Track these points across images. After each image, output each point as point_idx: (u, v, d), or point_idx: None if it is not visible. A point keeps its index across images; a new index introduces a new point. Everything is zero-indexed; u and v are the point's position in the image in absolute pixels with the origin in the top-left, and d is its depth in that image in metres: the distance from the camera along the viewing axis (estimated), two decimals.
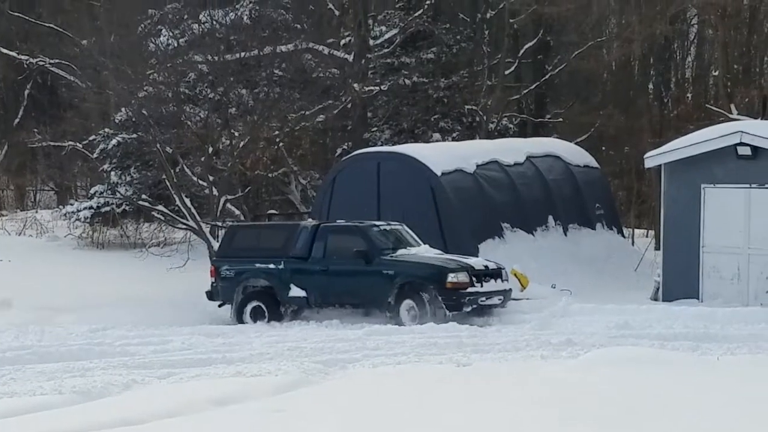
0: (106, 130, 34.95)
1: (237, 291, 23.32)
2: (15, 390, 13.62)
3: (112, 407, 12.52)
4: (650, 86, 43.03)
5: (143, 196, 32.55)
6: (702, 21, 40.07)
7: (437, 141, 34.07)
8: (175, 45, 33.13)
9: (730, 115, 31.20)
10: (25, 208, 45.68)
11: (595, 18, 41.28)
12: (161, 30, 34.11)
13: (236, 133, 30.78)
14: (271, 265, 23.10)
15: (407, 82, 35.90)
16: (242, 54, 32.71)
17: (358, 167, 27.35)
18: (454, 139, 34.48)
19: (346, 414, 12.00)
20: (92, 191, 35.21)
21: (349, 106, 35.49)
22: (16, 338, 19.29)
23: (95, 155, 34.90)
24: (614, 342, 17.69)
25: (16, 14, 44.64)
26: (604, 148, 40.56)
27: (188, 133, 30.54)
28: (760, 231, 22.96)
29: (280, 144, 33.56)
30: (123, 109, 33.20)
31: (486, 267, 22.05)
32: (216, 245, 27.74)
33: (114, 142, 33.76)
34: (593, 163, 30.63)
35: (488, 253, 24.34)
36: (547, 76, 41.33)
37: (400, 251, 22.51)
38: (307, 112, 34.00)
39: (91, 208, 34.00)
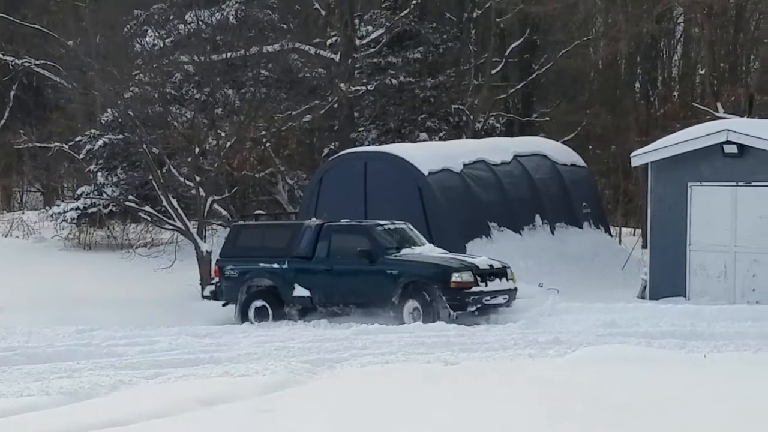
0: (93, 130, 34.86)
1: (241, 291, 23.31)
2: (2, 391, 13.57)
3: (99, 408, 12.49)
4: (637, 85, 43.11)
5: (130, 197, 32.49)
6: (688, 19, 40.16)
7: (424, 140, 34.08)
8: (161, 45, 33.06)
9: (717, 114, 31.26)
10: (11, 209, 45.53)
11: (582, 17, 41.31)
12: (147, 30, 34.04)
13: (223, 134, 30.71)
14: (275, 265, 23.08)
15: (394, 81, 35.90)
16: (228, 54, 32.64)
17: (345, 167, 27.35)
18: (440, 139, 34.49)
19: (334, 413, 11.99)
20: (79, 192, 35.13)
21: (335, 106, 35.47)
22: (2, 339, 19.26)
23: (81, 156, 34.81)
24: (601, 340, 17.71)
25: (1, 15, 44.50)
26: (590, 146, 40.62)
27: (175, 134, 30.46)
28: (747, 229, 23.01)
29: (267, 144, 33.53)
30: (109, 110, 33.12)
31: (491, 266, 21.97)
32: (203, 246, 27.72)
33: (100, 142, 33.67)
34: (580, 162, 30.68)
35: (475, 253, 24.31)
36: (533, 76, 41.36)
37: (404, 251, 22.45)
38: (294, 112, 33.97)
39: (77, 209, 33.91)
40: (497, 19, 39.19)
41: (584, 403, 12.10)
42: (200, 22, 33.04)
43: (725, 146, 23.22)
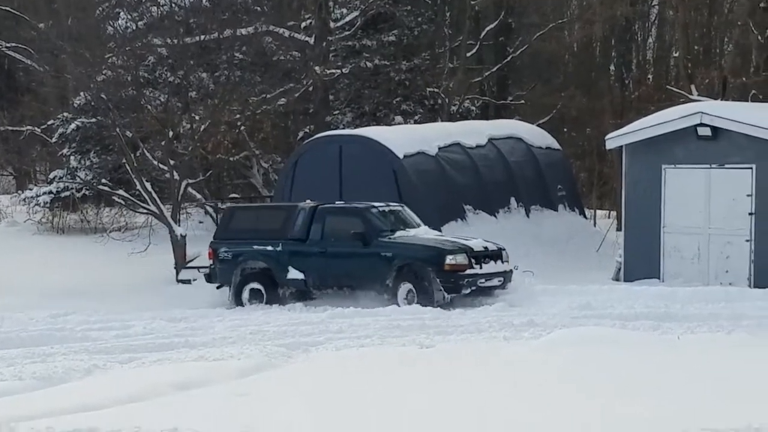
0: (65, 114, 34.68)
1: (235, 273, 23.12)
2: None
3: (73, 393, 12.44)
4: (611, 68, 43.17)
5: (103, 181, 32.32)
6: (663, 2, 40.18)
7: (399, 124, 34.04)
8: (134, 28, 32.85)
9: (691, 96, 31.32)
10: None
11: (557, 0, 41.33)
12: (119, 13, 33.81)
13: (197, 117, 30.58)
14: (269, 247, 22.91)
15: (369, 64, 35.82)
16: (202, 37, 32.47)
17: (320, 150, 27.28)
18: (416, 122, 34.45)
19: (310, 397, 11.98)
20: (51, 176, 34.95)
21: (310, 89, 35.36)
22: None
23: (54, 140, 34.65)
24: (576, 322, 17.75)
25: None
26: (565, 129, 40.68)
27: (148, 117, 30.32)
28: (720, 211, 23.08)
29: (242, 127, 33.41)
30: (81, 93, 32.96)
31: (485, 248, 21.79)
32: (178, 230, 27.63)
33: (73, 126, 33.50)
34: (555, 144, 30.71)
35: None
36: (508, 58, 41.36)
37: (399, 233, 22.24)
38: (269, 96, 33.85)
39: (50, 193, 33.75)
40: (472, 2, 39.17)
41: (559, 384, 12.13)
42: (173, 5, 32.86)
43: (699, 129, 23.27)
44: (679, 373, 12.76)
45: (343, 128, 33.52)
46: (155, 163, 29.61)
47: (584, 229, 29.66)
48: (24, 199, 34.40)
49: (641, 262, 23.91)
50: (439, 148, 27.25)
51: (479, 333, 17.12)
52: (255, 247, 23.08)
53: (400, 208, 23.23)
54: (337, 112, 36.63)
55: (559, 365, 13.28)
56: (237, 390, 12.36)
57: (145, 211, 29.59)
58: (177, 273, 26.83)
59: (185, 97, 30.94)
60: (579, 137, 41.04)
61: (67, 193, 33.58)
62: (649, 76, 42.70)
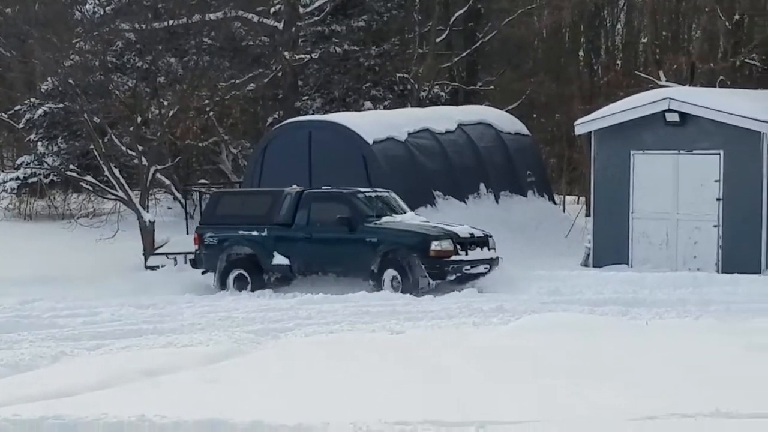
0: (32, 99, 34.50)
1: (220, 258, 22.98)
2: None
3: (40, 380, 12.36)
4: (581, 53, 43.28)
5: (71, 167, 32.17)
6: None
7: (369, 109, 33.98)
8: (102, 13, 32.69)
9: (659, 82, 31.41)
10: None
11: None
12: None
13: (165, 103, 30.47)
14: (255, 233, 22.78)
15: (338, 50, 35.73)
16: (170, 22, 32.33)
17: (289, 136, 27.23)
18: (385, 108, 34.40)
19: (279, 383, 11.96)
20: (19, 162, 34.78)
21: (279, 74, 35.26)
22: None
23: (21, 125, 34.44)
24: (545, 308, 17.81)
25: None
26: (535, 115, 40.74)
27: (116, 103, 30.19)
28: (688, 196, 23.18)
29: (211, 113, 33.30)
30: (49, 79, 32.77)
31: (471, 234, 21.70)
32: (146, 216, 27.52)
33: (40, 111, 33.32)
34: (524, 130, 30.76)
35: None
36: (478, 44, 41.36)
37: (385, 218, 22.11)
38: (238, 81, 33.76)
39: (17, 179, 33.57)
40: None
41: (527, 369, 12.15)
42: None
43: (667, 114, 23.35)
44: (647, 359, 12.80)
45: (313, 114, 33.44)
46: (123, 148, 29.47)
47: (553, 214, 29.74)
48: None
49: (610, 247, 23.99)
50: (409, 134, 27.25)
51: (449, 319, 17.14)
52: (240, 232, 22.95)
53: (386, 194, 23.12)
54: (306, 97, 36.53)
55: (528, 350, 13.30)
56: (206, 376, 12.31)
57: (113, 197, 29.44)
58: (145, 259, 26.71)
59: (154, 82, 30.80)
60: (548, 123, 41.12)
61: (35, 179, 33.42)
62: (618, 62, 42.82)
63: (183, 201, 32.35)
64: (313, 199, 22.63)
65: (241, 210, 23.30)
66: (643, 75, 34.23)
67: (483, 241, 21.81)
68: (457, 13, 41.03)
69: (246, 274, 22.73)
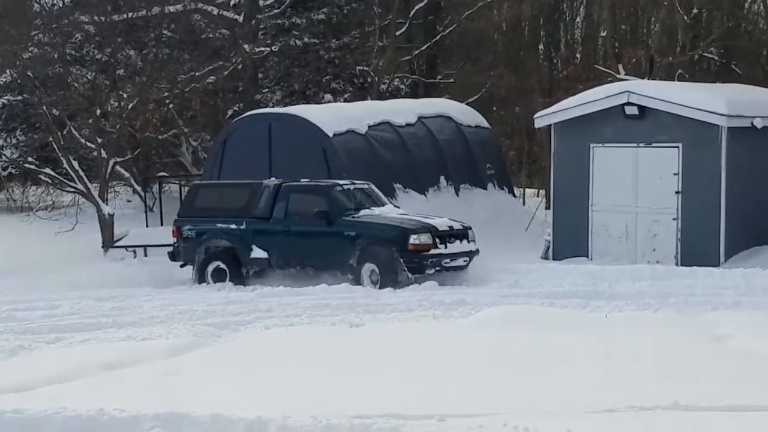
0: None
1: (199, 252, 22.78)
2: None
3: None
4: (540, 47, 43.41)
5: (30, 159, 32.01)
6: None
7: (329, 102, 33.96)
8: (61, 5, 32.52)
9: (618, 76, 31.55)
10: None
11: None
12: None
13: (125, 95, 30.33)
14: (233, 226, 22.56)
15: (298, 43, 35.67)
16: (130, 14, 32.19)
17: (249, 129, 27.13)
18: (345, 100, 34.40)
19: (239, 376, 11.94)
20: None
21: (239, 67, 35.15)
22: None
23: None
24: (505, 301, 17.86)
25: None
26: (495, 108, 40.84)
27: (75, 95, 30.04)
28: (648, 189, 23.28)
29: (170, 105, 33.19)
30: (7, 71, 32.52)
31: (451, 228, 21.52)
32: (105, 209, 27.39)
33: None
34: (484, 123, 30.81)
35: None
36: (438, 37, 41.37)
37: (363, 212, 21.87)
38: (197, 74, 33.64)
39: None
40: None
41: (487, 362, 12.18)
42: None
43: (626, 108, 23.44)
44: (607, 351, 12.86)
45: (273, 107, 33.38)
46: (83, 141, 29.34)
47: (513, 207, 29.81)
48: None
49: (570, 240, 24.08)
50: (369, 127, 27.24)
51: (409, 312, 17.16)
52: (219, 225, 22.76)
53: (366, 186, 22.94)
54: (266, 90, 36.47)
55: (488, 343, 13.34)
56: (165, 369, 12.29)
57: (72, 189, 29.31)
58: (105, 252, 26.60)
59: (113, 74, 30.67)
60: (508, 116, 41.23)
61: None
62: (578, 56, 42.98)
63: (142, 193, 32.22)
64: (291, 191, 22.41)
65: (220, 202, 23.12)
66: (602, 68, 34.37)
67: (462, 234, 21.66)
68: (417, 6, 40.99)
69: (225, 267, 22.59)
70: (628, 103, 23.38)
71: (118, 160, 29.79)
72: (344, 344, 14.06)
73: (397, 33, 39.58)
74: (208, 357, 13.43)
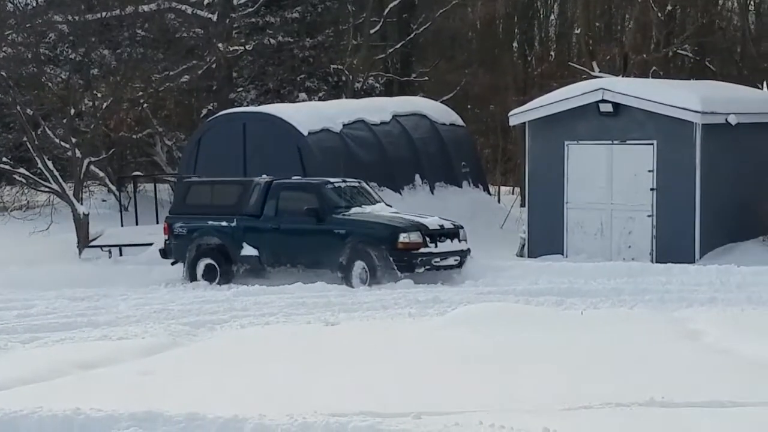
0: None
1: (190, 249, 22.71)
2: None
3: None
4: (514, 44, 43.38)
5: (4, 159, 31.78)
6: None
7: (303, 101, 33.93)
8: (34, 5, 32.38)
9: (592, 73, 31.61)
10: None
11: None
12: None
13: (99, 94, 30.23)
14: (224, 223, 22.51)
15: (272, 41, 35.61)
16: (104, 14, 32.09)
17: (224, 128, 27.11)
18: (320, 99, 34.35)
19: (215, 375, 11.93)
20: None
21: (213, 66, 35.09)
22: None
23: None
24: (481, 298, 17.88)
25: None
26: (469, 106, 40.80)
27: (49, 95, 29.95)
28: (623, 187, 23.35)
29: (144, 105, 33.09)
30: None
31: (441, 226, 21.46)
32: (80, 208, 27.30)
33: None
34: (459, 121, 30.86)
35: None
36: (412, 35, 41.34)
37: (354, 209, 21.83)
38: (172, 73, 33.55)
39: None
40: None
41: (462, 359, 12.20)
42: None
43: (601, 105, 23.50)
44: (583, 348, 12.90)
45: (247, 106, 33.33)
46: (57, 141, 29.22)
47: (488, 205, 29.87)
48: None
49: (545, 238, 24.13)
50: (344, 125, 27.25)
51: (384, 310, 17.18)
52: (210, 222, 22.70)
53: (357, 184, 22.90)
54: (240, 89, 36.40)
55: (464, 341, 13.36)
56: (141, 369, 12.27)
57: (46, 189, 29.18)
58: (80, 252, 26.52)
59: (87, 74, 30.56)
60: (483, 114, 41.22)
61: None
62: (552, 53, 43.02)
63: (117, 193, 32.13)
64: (282, 189, 22.35)
65: (211, 200, 23.09)
66: (576, 66, 34.43)
67: (453, 233, 21.60)
68: (391, 5, 40.99)
69: (215, 264, 22.53)
70: (603, 101, 23.44)
71: (93, 159, 29.68)
72: (320, 343, 14.07)
73: (372, 31, 39.58)
74: (183, 356, 13.42)
